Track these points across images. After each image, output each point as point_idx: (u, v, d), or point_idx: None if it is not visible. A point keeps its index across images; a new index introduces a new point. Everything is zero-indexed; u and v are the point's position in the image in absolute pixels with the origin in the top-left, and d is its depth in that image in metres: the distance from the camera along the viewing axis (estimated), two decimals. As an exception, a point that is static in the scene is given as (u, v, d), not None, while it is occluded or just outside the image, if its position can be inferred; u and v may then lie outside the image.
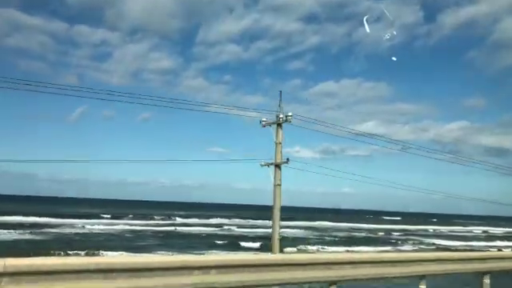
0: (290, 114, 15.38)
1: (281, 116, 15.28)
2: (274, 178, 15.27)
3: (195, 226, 57.64)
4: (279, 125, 15.39)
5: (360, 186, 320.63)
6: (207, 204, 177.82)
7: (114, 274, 4.37)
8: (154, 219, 68.14)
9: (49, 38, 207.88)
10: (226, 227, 58.13)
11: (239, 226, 60.70)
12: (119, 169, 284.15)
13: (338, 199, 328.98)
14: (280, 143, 15.26)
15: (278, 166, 15.47)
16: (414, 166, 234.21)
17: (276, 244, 15.72)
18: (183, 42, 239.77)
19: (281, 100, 15.48)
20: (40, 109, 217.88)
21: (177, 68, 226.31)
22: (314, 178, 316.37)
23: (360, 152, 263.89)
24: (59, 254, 24.57)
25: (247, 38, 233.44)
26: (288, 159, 15.42)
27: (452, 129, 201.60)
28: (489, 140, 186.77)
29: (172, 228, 52.58)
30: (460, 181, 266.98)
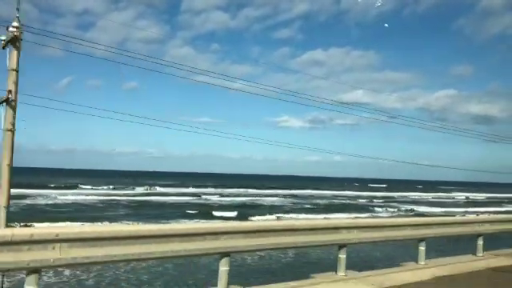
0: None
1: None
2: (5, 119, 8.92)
3: (173, 195, 57.09)
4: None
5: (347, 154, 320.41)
6: (197, 173, 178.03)
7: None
8: (133, 189, 67.56)
9: (31, 6, 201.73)
10: (204, 196, 57.65)
11: (221, 195, 60.26)
12: (108, 139, 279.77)
13: (329, 168, 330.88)
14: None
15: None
16: (401, 133, 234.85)
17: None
18: (169, 10, 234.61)
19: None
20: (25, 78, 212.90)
21: (163, 37, 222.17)
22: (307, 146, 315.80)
23: (348, 121, 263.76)
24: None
25: (234, 5, 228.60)
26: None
27: (440, 97, 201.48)
28: (476, 108, 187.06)
29: (147, 198, 51.94)
30: (446, 148, 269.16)
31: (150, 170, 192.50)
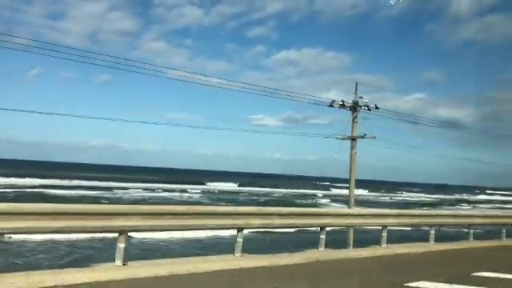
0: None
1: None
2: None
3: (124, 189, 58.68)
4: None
5: (323, 154, 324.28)
6: (167, 169, 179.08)
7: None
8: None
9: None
10: (153, 190, 59.42)
11: (168, 191, 61.70)
12: (78, 132, 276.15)
13: (301, 167, 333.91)
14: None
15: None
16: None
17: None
18: (142, 2, 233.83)
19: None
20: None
21: (137, 30, 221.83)
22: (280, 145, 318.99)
23: (320, 121, 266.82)
24: None
25: (208, 1, 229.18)
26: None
27: (409, 100, 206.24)
28: (444, 113, 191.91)
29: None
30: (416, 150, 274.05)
31: (125, 163, 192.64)
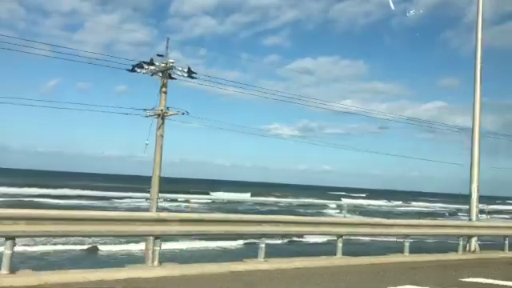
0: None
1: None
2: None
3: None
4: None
5: (337, 163, 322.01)
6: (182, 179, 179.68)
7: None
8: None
9: (18, 5, 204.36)
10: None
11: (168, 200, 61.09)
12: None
13: (319, 176, 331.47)
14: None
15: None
16: (391, 144, 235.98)
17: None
18: (157, 13, 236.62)
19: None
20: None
21: (151, 40, 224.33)
22: (296, 155, 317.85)
23: (337, 130, 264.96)
24: None
25: (222, 10, 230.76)
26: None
27: (428, 109, 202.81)
28: (463, 120, 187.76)
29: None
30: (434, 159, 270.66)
31: (139, 173, 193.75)
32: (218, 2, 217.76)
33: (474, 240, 15.47)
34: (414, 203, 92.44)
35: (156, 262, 8.60)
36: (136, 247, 19.94)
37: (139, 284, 7.17)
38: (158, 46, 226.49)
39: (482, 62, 16.55)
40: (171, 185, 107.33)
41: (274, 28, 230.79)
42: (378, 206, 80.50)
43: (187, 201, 56.21)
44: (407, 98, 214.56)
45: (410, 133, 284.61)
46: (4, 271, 6.81)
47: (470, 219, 16.49)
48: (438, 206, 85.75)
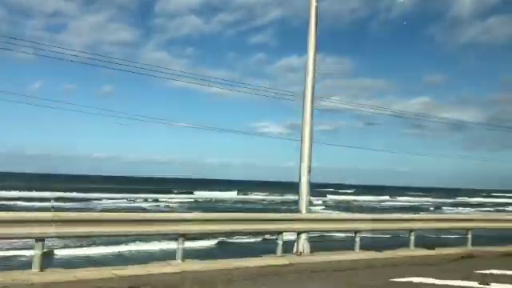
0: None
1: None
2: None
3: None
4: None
5: (327, 160, 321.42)
6: (170, 179, 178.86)
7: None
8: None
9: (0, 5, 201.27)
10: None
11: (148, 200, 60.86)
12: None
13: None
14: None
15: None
16: (379, 140, 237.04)
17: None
18: (142, 13, 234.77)
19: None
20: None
21: (137, 40, 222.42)
22: (284, 153, 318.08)
23: (326, 127, 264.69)
24: None
25: (208, 9, 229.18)
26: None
27: (414, 104, 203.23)
28: (449, 115, 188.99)
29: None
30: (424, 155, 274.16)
31: (127, 174, 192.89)
32: (203, 1, 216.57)
33: (303, 237, 11.73)
34: (399, 198, 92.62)
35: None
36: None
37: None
38: (145, 45, 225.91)
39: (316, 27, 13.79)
40: (157, 185, 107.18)
41: (259, 26, 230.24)
42: (363, 201, 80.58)
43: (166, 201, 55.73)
44: (393, 93, 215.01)
45: (396, 128, 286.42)
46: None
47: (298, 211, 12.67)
48: (423, 201, 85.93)
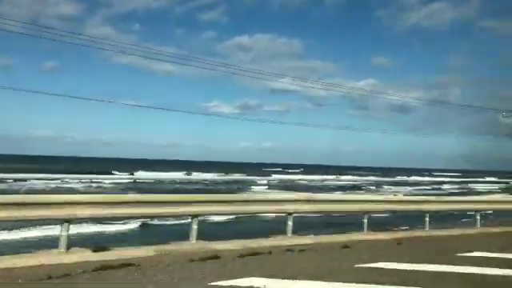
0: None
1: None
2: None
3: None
4: None
5: (278, 141, 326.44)
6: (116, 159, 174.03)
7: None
8: None
9: None
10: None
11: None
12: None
13: (259, 154, 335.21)
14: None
15: None
16: (327, 121, 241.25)
17: None
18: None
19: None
20: None
21: (81, 15, 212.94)
22: (236, 133, 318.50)
23: (276, 107, 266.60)
24: None
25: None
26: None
27: (361, 86, 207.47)
28: (394, 98, 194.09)
29: None
30: (369, 135, 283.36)
31: (70, 154, 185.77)
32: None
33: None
34: (343, 177, 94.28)
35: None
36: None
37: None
38: (89, 20, 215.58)
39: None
40: (100, 165, 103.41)
41: (210, 3, 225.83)
42: (308, 180, 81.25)
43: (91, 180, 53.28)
44: (341, 75, 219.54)
45: (344, 109, 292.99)
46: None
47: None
48: (365, 180, 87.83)
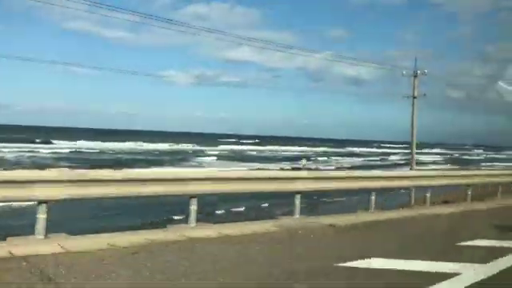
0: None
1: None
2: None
3: None
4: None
5: (235, 111, 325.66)
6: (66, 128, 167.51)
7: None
8: None
9: None
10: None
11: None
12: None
13: (215, 124, 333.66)
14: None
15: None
16: (284, 92, 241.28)
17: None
18: None
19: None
20: None
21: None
22: (192, 103, 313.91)
23: (233, 78, 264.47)
24: None
25: None
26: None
27: (317, 58, 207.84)
28: (348, 70, 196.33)
29: None
30: (323, 107, 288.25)
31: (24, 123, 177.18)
32: None
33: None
34: (293, 148, 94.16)
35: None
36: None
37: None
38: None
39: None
40: (41, 134, 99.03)
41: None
42: (258, 151, 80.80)
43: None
44: (298, 47, 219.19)
45: (300, 81, 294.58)
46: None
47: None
48: (316, 150, 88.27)
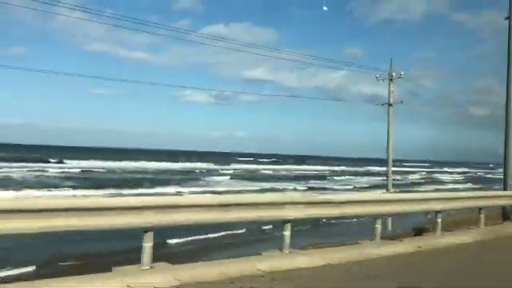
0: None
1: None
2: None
3: None
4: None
5: (252, 130, 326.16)
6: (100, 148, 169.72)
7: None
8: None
9: None
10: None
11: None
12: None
13: (231, 143, 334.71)
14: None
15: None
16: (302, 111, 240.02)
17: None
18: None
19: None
20: None
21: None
22: (211, 122, 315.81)
23: (252, 97, 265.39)
24: None
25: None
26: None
27: (335, 77, 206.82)
28: (367, 88, 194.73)
29: None
30: (343, 125, 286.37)
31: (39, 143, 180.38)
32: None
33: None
34: (311, 167, 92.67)
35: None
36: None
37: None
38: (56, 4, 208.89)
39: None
40: (67, 153, 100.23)
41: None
42: (274, 170, 79.71)
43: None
44: (315, 66, 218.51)
45: (318, 100, 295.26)
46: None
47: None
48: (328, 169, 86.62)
